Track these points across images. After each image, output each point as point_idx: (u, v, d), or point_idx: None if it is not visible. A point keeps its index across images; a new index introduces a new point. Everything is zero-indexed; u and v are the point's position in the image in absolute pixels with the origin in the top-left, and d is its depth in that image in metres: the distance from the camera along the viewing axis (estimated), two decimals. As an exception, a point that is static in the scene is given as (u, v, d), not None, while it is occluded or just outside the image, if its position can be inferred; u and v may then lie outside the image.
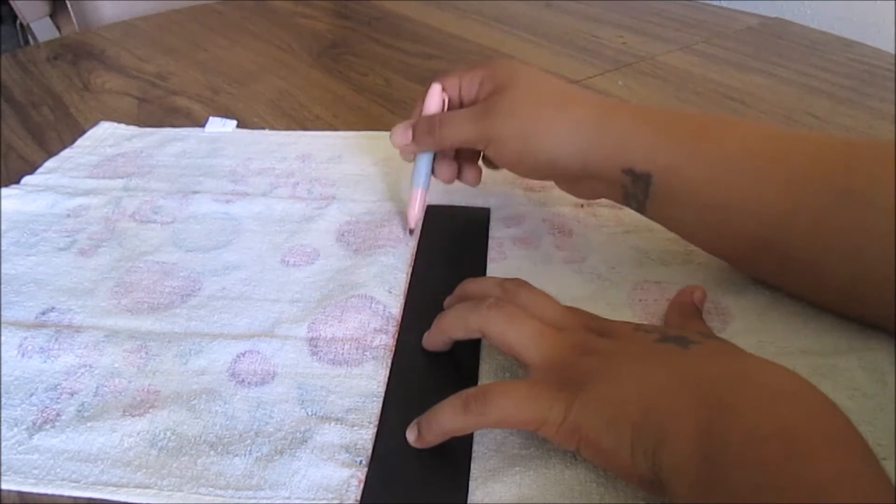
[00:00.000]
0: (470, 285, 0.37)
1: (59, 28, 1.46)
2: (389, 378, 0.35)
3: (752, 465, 0.23)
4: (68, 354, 0.37)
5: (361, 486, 0.30)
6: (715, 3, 0.91)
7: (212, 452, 0.32)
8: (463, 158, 0.46)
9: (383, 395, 0.34)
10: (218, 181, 0.53)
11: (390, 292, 0.41)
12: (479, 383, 0.35)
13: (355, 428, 0.33)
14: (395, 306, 0.40)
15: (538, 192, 0.50)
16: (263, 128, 0.61)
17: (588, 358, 0.30)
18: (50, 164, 0.55)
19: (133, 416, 0.33)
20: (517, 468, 0.30)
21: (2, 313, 0.40)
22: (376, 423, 0.33)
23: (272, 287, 0.42)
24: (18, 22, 1.51)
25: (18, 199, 0.50)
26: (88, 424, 0.33)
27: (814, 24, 0.80)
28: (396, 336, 0.38)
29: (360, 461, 0.31)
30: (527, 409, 0.28)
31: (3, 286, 0.42)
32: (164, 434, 0.32)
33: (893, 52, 0.70)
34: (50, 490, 0.30)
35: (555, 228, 0.46)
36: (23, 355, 0.37)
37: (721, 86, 0.65)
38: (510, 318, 0.32)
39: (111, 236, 0.47)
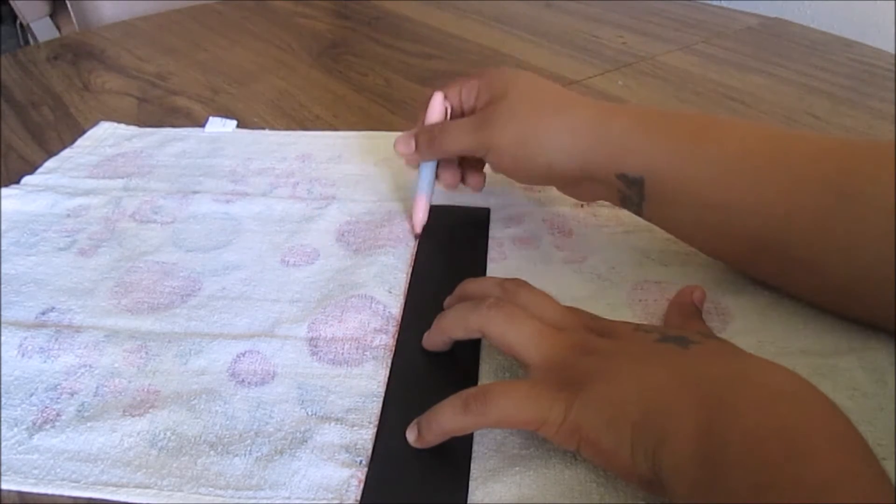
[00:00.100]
0: (470, 285, 0.37)
1: (59, 28, 1.46)
2: (389, 378, 0.35)
3: (752, 466, 0.23)
4: (68, 354, 0.37)
5: (361, 486, 0.30)
6: (715, 3, 0.91)
7: (212, 452, 0.32)
8: (467, 164, 0.46)
9: (383, 395, 0.34)
10: (218, 181, 0.53)
11: (390, 292, 0.41)
12: (479, 383, 0.35)
13: (355, 428, 0.33)
14: (395, 306, 0.40)
15: (538, 192, 0.50)
16: (263, 128, 0.61)
17: (588, 358, 0.30)
18: (50, 164, 0.55)
19: (133, 416, 0.33)
20: (517, 468, 0.30)
21: (2, 313, 0.40)
22: (376, 423, 0.33)
23: (272, 287, 0.42)
24: (18, 22, 1.51)
25: (18, 199, 0.50)
26: (88, 424, 0.33)
27: (814, 24, 0.80)
28: (396, 336, 0.38)
29: (360, 461, 0.31)
30: (527, 409, 0.29)
31: (3, 286, 0.42)
32: (164, 434, 0.32)
33: (893, 52, 0.70)
34: (50, 490, 0.30)
35: (555, 228, 0.46)
36: (23, 355, 0.37)
37: (721, 86, 0.65)
38: (510, 318, 0.32)
39: (111, 236, 0.47)
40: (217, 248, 0.45)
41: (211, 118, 0.62)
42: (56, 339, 0.37)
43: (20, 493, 0.31)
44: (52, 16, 1.46)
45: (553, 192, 0.48)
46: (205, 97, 0.68)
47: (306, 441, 0.32)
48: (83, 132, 0.60)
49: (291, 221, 0.48)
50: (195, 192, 0.51)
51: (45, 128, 0.63)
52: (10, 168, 0.56)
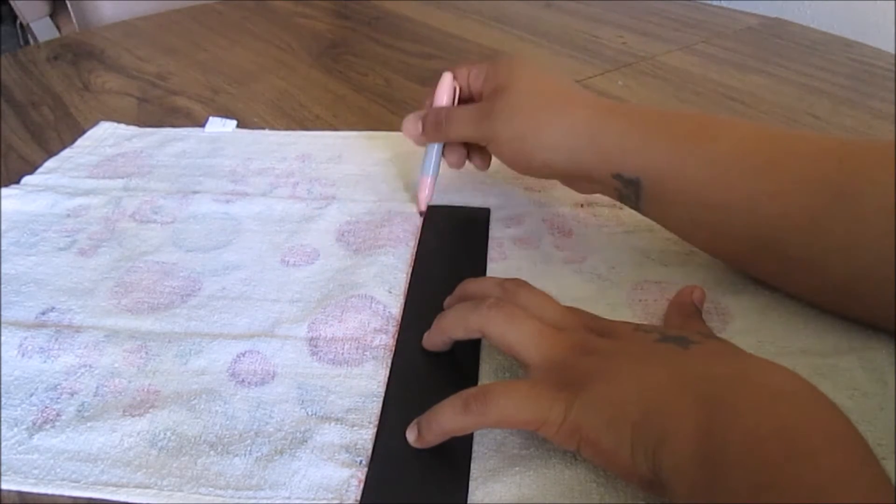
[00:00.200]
0: (470, 285, 0.37)
1: (59, 28, 1.46)
2: (389, 378, 0.35)
3: (752, 466, 0.23)
4: (68, 354, 0.37)
5: (361, 486, 0.30)
6: (715, 3, 0.91)
7: (212, 452, 0.32)
8: (472, 145, 0.47)
9: (383, 395, 0.34)
10: (218, 181, 0.53)
11: (390, 292, 0.41)
12: (479, 383, 0.35)
13: (355, 428, 0.33)
14: (395, 306, 0.40)
15: (538, 192, 0.50)
16: (263, 128, 0.61)
17: (588, 358, 0.30)
18: (50, 164, 0.55)
19: (133, 416, 0.33)
20: (517, 468, 0.30)
21: (2, 313, 0.40)
22: (376, 423, 0.33)
23: (272, 287, 0.42)
24: (18, 22, 1.51)
25: (18, 199, 0.50)
26: (88, 424, 0.33)
27: (814, 24, 0.80)
28: (396, 336, 0.38)
29: (360, 461, 0.31)
30: (527, 410, 0.28)
31: (3, 286, 0.42)
32: (164, 434, 0.32)
33: (893, 52, 0.70)
34: (50, 490, 0.30)
35: (555, 228, 0.46)
36: (23, 355, 0.37)
37: (721, 86, 0.65)
38: (510, 319, 0.32)
39: (111, 236, 0.47)
40: (217, 248, 0.45)
41: (211, 118, 0.62)
42: (56, 339, 0.37)
43: (20, 493, 0.31)
44: (52, 16, 1.46)
45: (553, 192, 0.48)
46: (205, 97, 0.68)
47: (306, 441, 0.32)
48: (83, 132, 0.60)
49: (291, 221, 0.48)
50: (195, 192, 0.51)
51: (45, 128, 0.63)
52: (10, 168, 0.56)
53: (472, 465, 0.31)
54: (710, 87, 0.65)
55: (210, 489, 0.30)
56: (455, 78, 0.45)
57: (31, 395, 0.35)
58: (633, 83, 0.67)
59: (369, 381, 0.35)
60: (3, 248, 0.45)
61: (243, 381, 0.35)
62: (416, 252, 0.44)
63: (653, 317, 0.38)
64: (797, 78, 0.66)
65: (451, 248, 0.45)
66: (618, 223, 0.46)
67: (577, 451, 0.29)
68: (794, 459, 0.22)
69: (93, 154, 0.57)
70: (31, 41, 1.45)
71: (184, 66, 0.76)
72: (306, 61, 0.76)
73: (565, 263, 0.43)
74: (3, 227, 0.47)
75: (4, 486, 0.31)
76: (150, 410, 0.34)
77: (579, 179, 0.41)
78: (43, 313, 0.40)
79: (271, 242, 0.46)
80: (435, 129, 0.44)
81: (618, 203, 0.41)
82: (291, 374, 0.36)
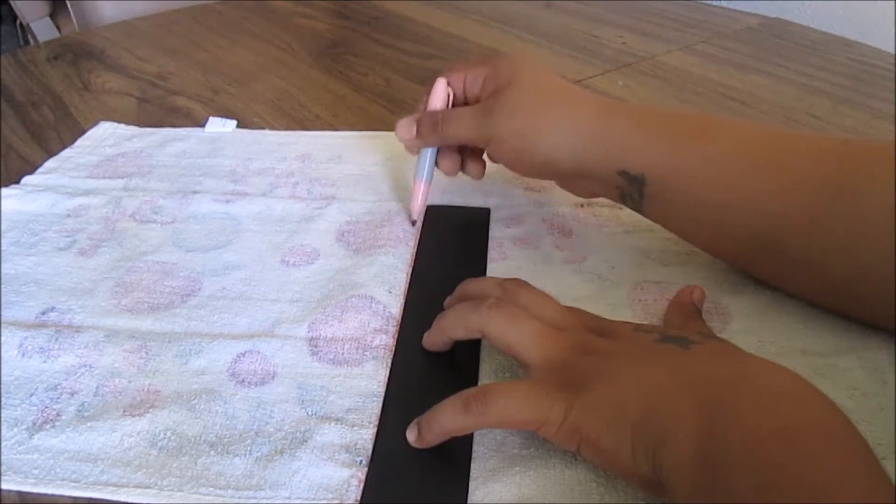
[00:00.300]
0: (470, 285, 0.37)
1: (59, 28, 1.46)
2: (389, 378, 0.35)
3: (752, 466, 0.23)
4: (68, 354, 0.37)
5: (361, 486, 0.30)
6: (715, 3, 0.91)
7: (212, 452, 0.32)
8: (467, 152, 0.46)
9: (383, 395, 0.34)
10: (218, 181, 0.53)
11: (390, 292, 0.41)
12: (479, 383, 0.35)
13: (355, 428, 0.33)
14: (395, 306, 0.40)
15: (538, 192, 0.50)
16: (263, 128, 0.61)
17: (588, 358, 0.30)
18: (50, 164, 0.55)
19: (133, 416, 0.33)
20: (517, 468, 0.30)
21: (2, 313, 0.40)
22: (376, 423, 0.33)
23: (272, 287, 0.42)
24: (18, 22, 1.51)
25: (18, 199, 0.50)
26: (88, 424, 0.33)
27: (814, 24, 0.80)
28: (396, 336, 0.38)
29: (360, 461, 0.31)
30: (527, 410, 0.28)
31: (3, 286, 0.42)
32: (164, 434, 0.32)
33: (893, 52, 0.70)
34: (50, 490, 0.30)
35: (555, 228, 0.46)
36: (23, 355, 0.37)
37: (721, 86, 0.65)
38: (510, 319, 0.32)
39: (111, 236, 0.47)
40: (217, 248, 0.45)
41: (211, 118, 0.62)
42: (56, 339, 0.37)
43: (20, 493, 0.31)
44: (52, 16, 1.46)
45: (553, 192, 0.48)
46: (205, 97, 0.68)
47: (306, 441, 0.32)
48: (83, 132, 0.60)
49: (291, 221, 0.48)
50: (195, 192, 0.51)
51: (45, 128, 0.63)
52: (10, 168, 0.56)
53: (472, 465, 0.31)
54: (710, 87, 0.65)
55: (210, 489, 0.30)
56: (449, 84, 0.44)
57: (32, 395, 0.35)
58: (633, 83, 0.67)
59: (369, 381, 0.35)
60: (3, 248, 0.45)
61: (243, 381, 0.35)
62: (416, 252, 0.44)
63: (653, 317, 0.38)
64: (797, 78, 0.66)
65: (451, 248, 0.45)
66: (618, 223, 0.46)
67: (577, 452, 0.29)
68: (794, 459, 0.22)
69: (93, 154, 0.57)
70: (31, 41, 1.45)
71: (184, 66, 0.76)
72: (306, 61, 0.76)
73: (565, 263, 0.43)
74: (3, 227, 0.47)
75: (4, 486, 0.31)
76: (151, 410, 0.34)
77: (580, 179, 0.41)
78: (43, 313, 0.40)
79: (271, 242, 0.46)
80: (431, 130, 0.43)
81: (618, 203, 0.41)
82: (291, 374, 0.36)
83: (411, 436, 0.31)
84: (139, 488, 0.30)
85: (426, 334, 0.36)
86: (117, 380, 0.35)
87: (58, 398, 0.35)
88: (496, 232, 0.46)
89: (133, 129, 0.61)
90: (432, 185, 0.46)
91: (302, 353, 0.37)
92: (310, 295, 0.41)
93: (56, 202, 0.50)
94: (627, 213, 0.41)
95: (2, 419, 0.33)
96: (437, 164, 0.46)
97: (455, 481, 0.30)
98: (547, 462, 0.30)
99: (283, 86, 0.70)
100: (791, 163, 0.34)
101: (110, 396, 0.35)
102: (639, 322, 0.35)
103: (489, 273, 0.43)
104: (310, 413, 0.34)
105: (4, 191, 0.51)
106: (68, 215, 0.49)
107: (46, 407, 0.34)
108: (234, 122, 0.61)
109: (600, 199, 0.46)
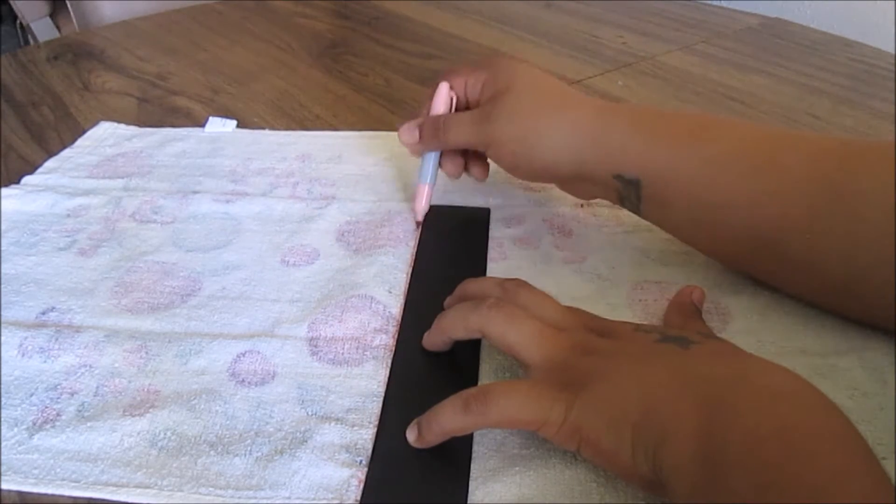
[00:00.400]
0: (470, 285, 0.37)
1: (59, 28, 1.46)
2: (389, 378, 0.35)
3: (752, 466, 0.23)
4: (68, 354, 0.37)
5: (361, 486, 0.30)
6: (715, 3, 0.91)
7: (212, 452, 0.32)
8: (470, 154, 0.46)
9: (383, 395, 0.34)
10: (218, 181, 0.53)
11: (390, 292, 0.41)
12: (479, 383, 0.35)
13: (355, 428, 0.33)
14: (395, 306, 0.40)
15: (538, 192, 0.50)
16: (263, 128, 0.61)
17: (588, 358, 0.30)
18: (50, 164, 0.55)
19: (133, 416, 0.33)
20: (517, 468, 0.30)
21: (2, 313, 0.40)
22: (376, 423, 0.33)
23: (272, 287, 0.42)
24: (18, 22, 1.51)
25: (18, 199, 0.50)
26: (88, 424, 0.33)
27: (814, 24, 0.80)
28: (396, 336, 0.38)
29: (360, 461, 0.31)
30: (527, 410, 0.28)
31: (3, 286, 0.42)
32: (165, 434, 0.32)
33: (893, 52, 0.70)
34: (50, 490, 0.30)
35: (555, 228, 0.46)
36: (23, 355, 0.37)
37: (721, 86, 0.65)
38: (510, 319, 0.32)
39: (111, 236, 0.47)
40: (217, 248, 0.45)
41: (211, 118, 0.62)
42: (56, 339, 0.37)
43: (20, 493, 0.31)
44: (52, 16, 1.46)
45: (553, 192, 0.48)
46: (205, 97, 0.68)
47: (306, 441, 0.32)
48: (83, 132, 0.60)
49: (291, 221, 0.48)
50: (195, 192, 0.51)
51: (45, 128, 0.63)
52: (10, 168, 0.56)
53: (472, 465, 0.31)
54: (710, 87, 0.65)
55: (210, 489, 0.30)
56: (452, 88, 0.44)
57: (31, 395, 0.35)
58: (633, 83, 0.67)
59: (369, 381, 0.35)
60: (3, 248, 0.45)
61: (243, 381, 0.35)
62: (416, 252, 0.44)
63: (653, 317, 0.38)
64: (797, 78, 0.66)
65: (451, 248, 0.45)
66: (618, 223, 0.46)
67: (577, 452, 0.29)
68: (794, 459, 0.22)
69: (93, 154, 0.57)
70: (31, 41, 1.45)
71: (184, 66, 0.76)
72: (306, 61, 0.76)
73: (565, 263, 0.43)
74: (3, 227, 0.47)
75: (4, 486, 0.31)
76: (151, 410, 0.34)
77: (580, 181, 0.41)
78: (43, 313, 0.40)
79: (271, 242, 0.46)
80: (433, 135, 0.44)
81: (617, 205, 0.41)
82: (291, 374, 0.36)
83: (411, 436, 0.31)
84: (139, 488, 0.30)
85: (426, 334, 0.36)
86: (117, 380, 0.35)
87: (58, 398, 0.35)
88: (496, 232, 0.46)
89: (133, 129, 0.61)
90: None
91: (302, 353, 0.37)
92: (310, 295, 0.41)
93: (56, 202, 0.50)
94: (627, 213, 0.41)
95: (2, 419, 0.33)
96: (440, 166, 0.46)
97: (455, 481, 0.30)
98: (547, 462, 0.30)
99: (283, 86, 0.70)
100: (791, 163, 0.34)
101: (110, 396, 0.35)
102: (639, 322, 0.35)
103: (489, 273, 0.43)
104: (310, 413, 0.34)
105: (4, 191, 0.51)
106: (68, 215, 0.49)
107: (46, 407, 0.34)
108: (234, 122, 0.61)
109: (600, 200, 0.46)
